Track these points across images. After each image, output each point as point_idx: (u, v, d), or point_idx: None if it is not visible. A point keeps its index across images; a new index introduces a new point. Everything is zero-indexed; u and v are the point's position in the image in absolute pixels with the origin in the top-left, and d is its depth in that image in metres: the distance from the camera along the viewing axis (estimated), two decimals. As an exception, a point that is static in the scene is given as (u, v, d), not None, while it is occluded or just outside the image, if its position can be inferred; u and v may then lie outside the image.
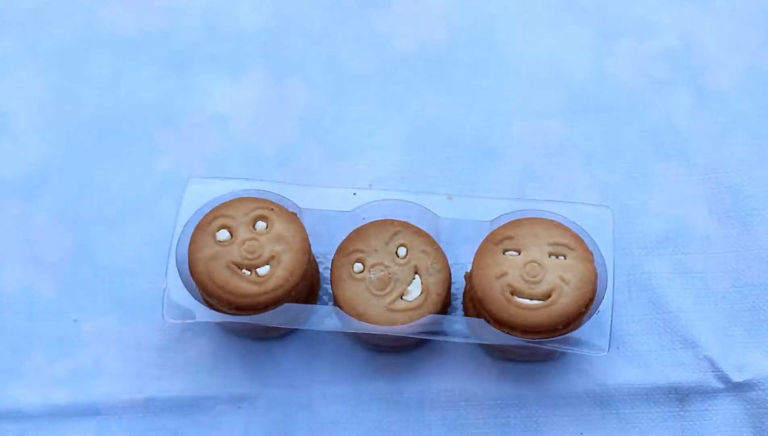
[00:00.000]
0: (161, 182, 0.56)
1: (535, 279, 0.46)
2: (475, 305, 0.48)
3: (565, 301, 0.46)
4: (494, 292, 0.46)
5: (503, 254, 0.47)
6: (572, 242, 0.47)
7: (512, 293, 0.46)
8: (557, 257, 0.47)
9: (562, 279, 0.46)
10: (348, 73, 0.59)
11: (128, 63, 0.60)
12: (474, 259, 0.48)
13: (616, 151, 0.56)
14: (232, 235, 0.48)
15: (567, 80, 0.59)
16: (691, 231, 0.54)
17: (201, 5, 0.61)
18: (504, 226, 0.48)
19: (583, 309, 0.46)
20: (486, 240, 0.48)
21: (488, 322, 0.47)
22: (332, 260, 0.49)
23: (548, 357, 0.51)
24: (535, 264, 0.47)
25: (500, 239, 0.48)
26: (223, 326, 0.52)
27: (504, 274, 0.47)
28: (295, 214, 0.49)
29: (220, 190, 0.50)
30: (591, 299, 0.46)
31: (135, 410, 0.51)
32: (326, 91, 0.59)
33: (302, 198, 0.50)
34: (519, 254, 0.47)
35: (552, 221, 0.48)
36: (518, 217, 0.49)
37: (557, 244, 0.47)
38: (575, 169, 0.56)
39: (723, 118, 0.57)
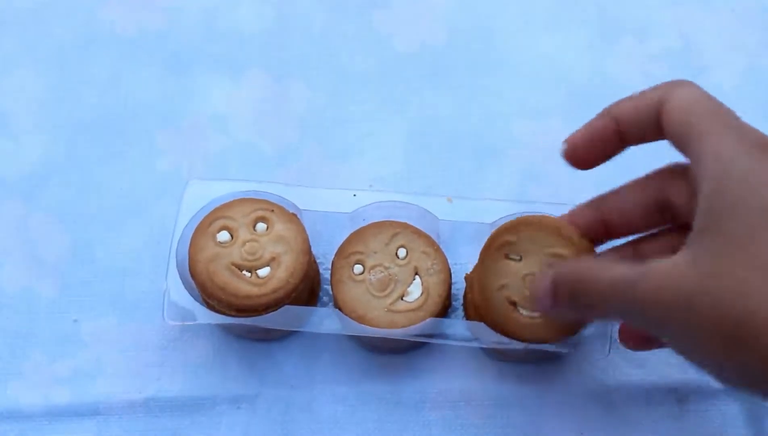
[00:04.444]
0: (161, 182, 0.56)
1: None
2: (477, 309, 0.48)
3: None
4: (495, 303, 0.46)
5: (505, 258, 0.46)
6: (569, 253, 0.45)
7: (513, 305, 0.46)
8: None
9: None
10: (348, 73, 0.59)
11: (128, 63, 0.60)
12: (475, 267, 0.47)
13: (616, 151, 0.56)
14: (232, 236, 0.48)
15: (567, 80, 0.59)
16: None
17: (201, 5, 0.61)
18: (502, 228, 0.47)
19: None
20: (485, 248, 0.47)
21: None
22: (332, 261, 0.49)
23: (548, 358, 0.51)
24: (533, 277, 0.46)
25: (501, 244, 0.47)
26: (223, 327, 0.52)
27: (503, 286, 0.46)
28: (296, 216, 0.49)
29: (219, 191, 0.50)
30: None
31: (134, 410, 0.51)
32: (326, 91, 0.59)
33: (302, 199, 0.50)
34: (521, 259, 0.46)
35: (553, 223, 0.46)
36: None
37: (555, 255, 0.46)
38: (575, 169, 0.56)
39: (723, 118, 0.57)
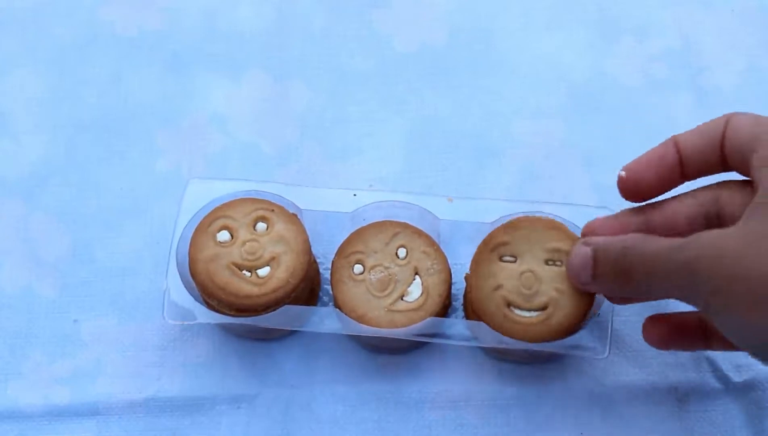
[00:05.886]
0: (161, 182, 0.56)
1: (530, 291, 0.46)
2: (475, 310, 0.48)
3: (561, 312, 0.45)
4: (491, 305, 0.46)
5: (500, 260, 0.46)
6: (569, 246, 0.45)
7: (509, 305, 0.46)
8: (554, 263, 0.46)
9: (557, 290, 0.45)
10: (348, 73, 0.59)
11: (128, 63, 0.60)
12: (471, 267, 0.47)
13: (616, 152, 0.56)
14: (232, 236, 0.48)
15: (567, 80, 0.59)
16: (691, 231, 0.54)
17: (201, 5, 0.61)
18: (498, 230, 0.47)
19: (580, 319, 0.45)
20: (478, 252, 0.47)
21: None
22: (332, 261, 0.49)
23: (548, 358, 0.51)
24: (531, 274, 0.46)
25: (495, 245, 0.47)
26: (223, 327, 0.52)
27: (500, 286, 0.46)
28: (296, 216, 0.49)
29: (220, 191, 0.50)
30: (588, 307, 0.45)
31: (134, 410, 0.51)
32: (326, 91, 0.59)
33: (302, 199, 0.50)
34: (515, 260, 0.46)
35: (545, 219, 0.47)
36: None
37: (554, 249, 0.46)
38: (575, 169, 0.56)
39: (723, 118, 0.57)
